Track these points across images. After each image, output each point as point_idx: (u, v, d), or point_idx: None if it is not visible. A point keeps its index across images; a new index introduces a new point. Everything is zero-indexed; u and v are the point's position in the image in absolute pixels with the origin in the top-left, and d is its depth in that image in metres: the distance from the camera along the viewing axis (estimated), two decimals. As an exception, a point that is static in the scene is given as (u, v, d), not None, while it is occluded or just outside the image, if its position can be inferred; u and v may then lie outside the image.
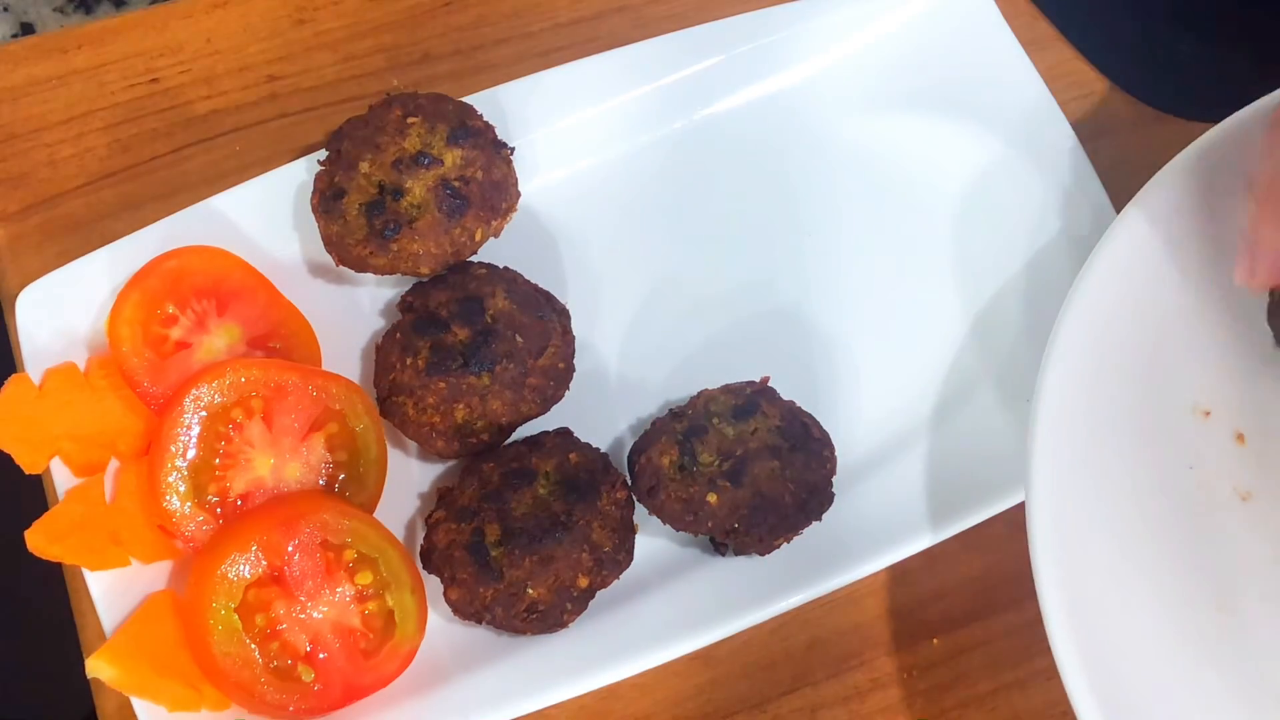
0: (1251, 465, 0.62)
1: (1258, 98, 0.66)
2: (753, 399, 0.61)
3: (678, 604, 0.61)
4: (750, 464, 0.58)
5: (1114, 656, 0.56)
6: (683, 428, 0.60)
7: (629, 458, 0.61)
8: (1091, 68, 0.75)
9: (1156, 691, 0.56)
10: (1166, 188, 0.62)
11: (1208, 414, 0.62)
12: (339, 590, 0.58)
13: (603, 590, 0.59)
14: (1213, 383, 0.62)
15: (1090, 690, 0.54)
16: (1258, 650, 0.58)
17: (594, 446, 0.62)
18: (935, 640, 0.64)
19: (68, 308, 0.64)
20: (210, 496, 0.60)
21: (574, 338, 0.64)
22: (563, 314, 0.64)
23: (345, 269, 0.63)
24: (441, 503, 0.60)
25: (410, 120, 0.62)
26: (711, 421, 0.60)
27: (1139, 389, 0.61)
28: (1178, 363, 0.62)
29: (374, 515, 0.62)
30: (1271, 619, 0.59)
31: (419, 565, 0.60)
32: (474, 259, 0.65)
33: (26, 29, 0.89)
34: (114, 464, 0.62)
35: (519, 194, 0.64)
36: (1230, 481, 0.61)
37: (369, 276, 0.66)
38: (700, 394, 0.62)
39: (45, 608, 0.68)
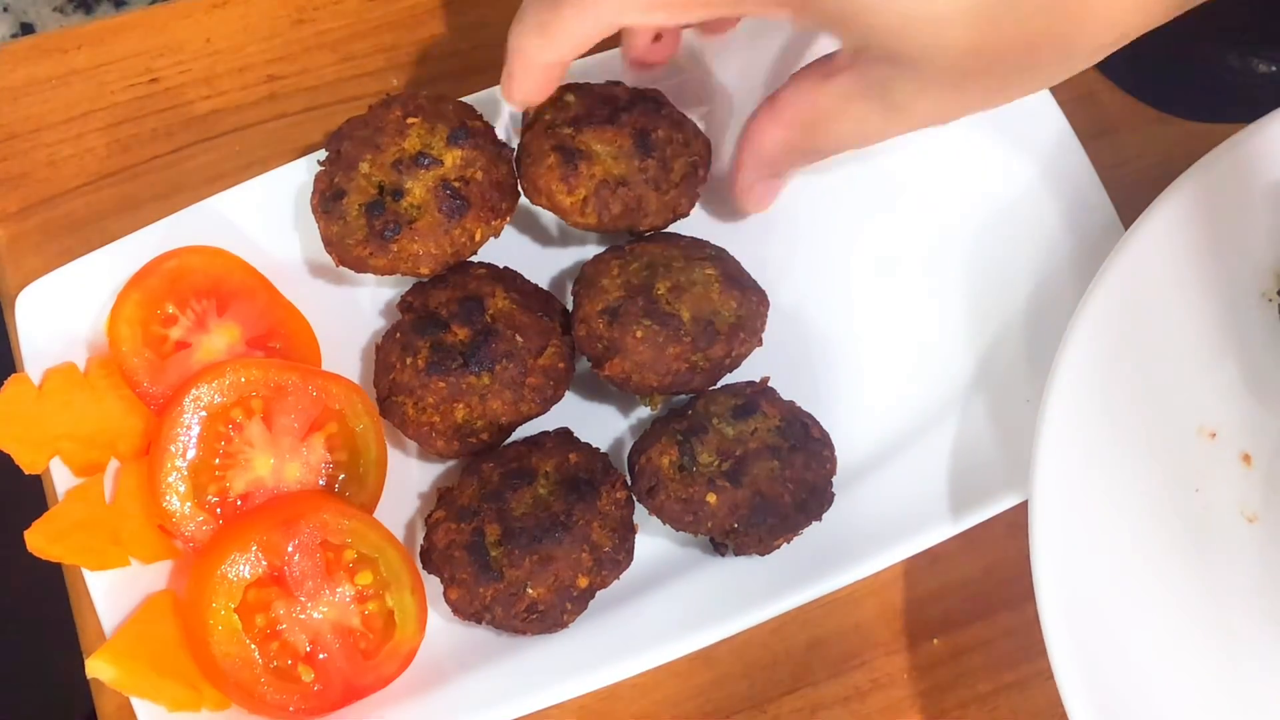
0: (1258, 487, 0.61)
1: (1259, 97, 0.67)
2: (753, 399, 0.61)
3: (678, 604, 0.61)
4: (750, 464, 0.58)
5: (1114, 674, 0.55)
6: (683, 428, 0.60)
7: (629, 458, 0.61)
8: (1092, 68, 0.75)
9: (1155, 711, 0.56)
10: (1173, 206, 0.61)
11: (1214, 435, 0.61)
12: (339, 590, 0.58)
13: (603, 590, 0.59)
14: (1219, 404, 0.62)
15: (1089, 704, 0.54)
16: (1260, 674, 0.58)
17: (594, 446, 0.62)
18: (935, 640, 0.64)
19: (68, 308, 0.64)
20: (210, 496, 0.60)
21: (573, 338, 0.64)
22: (563, 314, 0.64)
23: (345, 269, 0.63)
24: (441, 503, 0.60)
25: (410, 120, 0.62)
26: (711, 421, 0.60)
27: (1144, 409, 0.60)
28: (1184, 383, 0.61)
29: (374, 515, 0.62)
30: (1276, 643, 0.59)
31: (419, 565, 0.60)
32: (474, 259, 0.65)
33: (26, 29, 0.89)
34: (114, 464, 0.62)
35: (519, 194, 0.64)
36: (1236, 504, 0.61)
37: (369, 276, 0.66)
38: (700, 394, 0.62)
39: (45, 608, 0.68)
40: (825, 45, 0.71)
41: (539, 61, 0.57)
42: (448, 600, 0.58)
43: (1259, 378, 0.62)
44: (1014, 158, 0.71)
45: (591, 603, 0.59)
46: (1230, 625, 0.59)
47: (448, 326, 0.61)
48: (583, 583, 0.58)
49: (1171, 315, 0.61)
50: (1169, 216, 0.61)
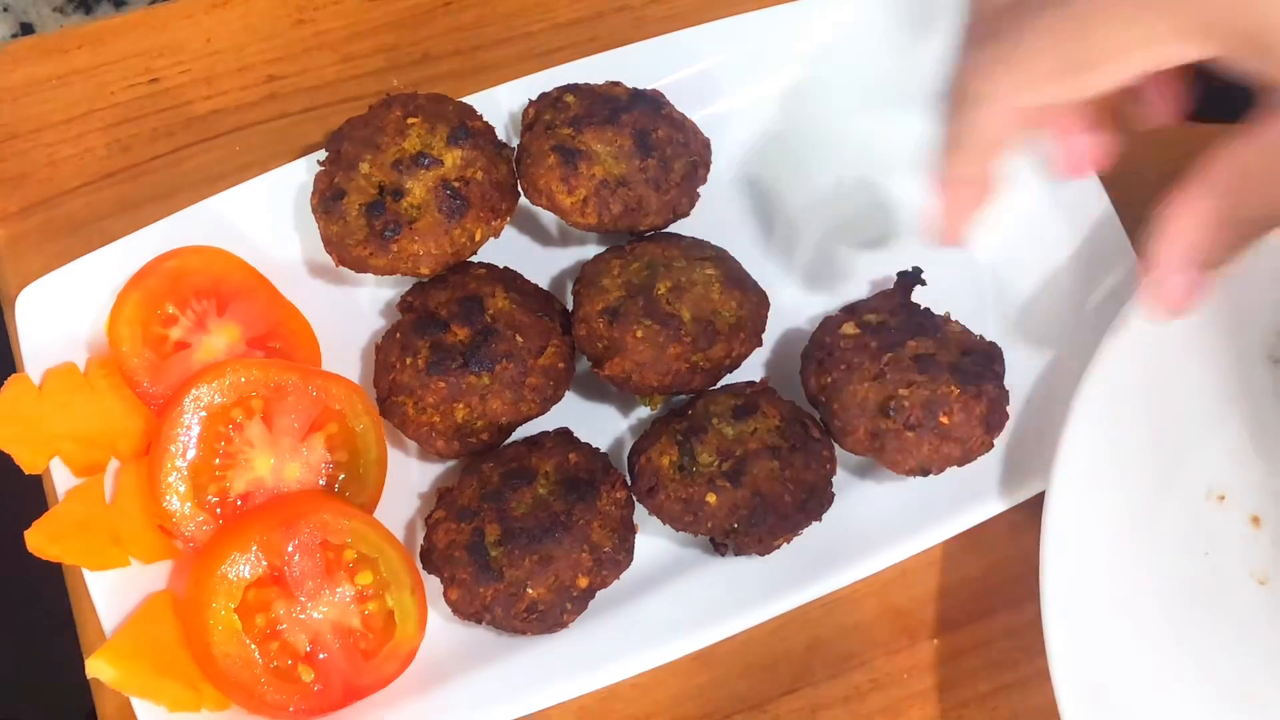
0: (1267, 550, 0.61)
1: (1257, 97, 0.66)
2: (753, 399, 0.61)
3: (678, 604, 0.61)
4: (750, 464, 0.58)
5: None
6: (682, 427, 0.60)
7: (629, 458, 0.61)
8: (1091, 68, 0.75)
9: None
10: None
11: (1222, 498, 0.61)
12: (339, 590, 0.58)
13: (603, 590, 0.59)
14: (1228, 466, 0.62)
15: None
16: None
17: (594, 446, 0.62)
18: (935, 640, 0.64)
19: (68, 308, 0.64)
20: (210, 496, 0.60)
21: (573, 338, 0.64)
22: (563, 314, 0.64)
23: (345, 269, 0.63)
24: (441, 503, 0.60)
25: (410, 120, 0.62)
26: (711, 421, 0.60)
27: (1154, 471, 0.60)
28: (1193, 445, 0.61)
29: (374, 515, 0.62)
30: None
31: (419, 565, 0.60)
32: (474, 259, 0.65)
33: (26, 29, 0.89)
34: (114, 464, 0.62)
35: (519, 194, 0.64)
36: (1246, 566, 0.61)
37: (369, 276, 0.66)
38: (700, 394, 0.62)
39: (45, 608, 0.68)
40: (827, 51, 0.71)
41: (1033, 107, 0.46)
42: (448, 600, 0.58)
43: (1267, 440, 0.62)
44: (1014, 159, 0.70)
45: (591, 603, 0.59)
46: (1241, 686, 0.59)
47: (448, 326, 0.61)
48: (583, 583, 0.58)
49: (1180, 377, 0.61)
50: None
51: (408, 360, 0.61)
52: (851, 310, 0.63)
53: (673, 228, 0.66)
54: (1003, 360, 0.62)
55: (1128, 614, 0.58)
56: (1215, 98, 0.71)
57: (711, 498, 0.58)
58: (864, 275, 0.70)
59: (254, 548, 0.57)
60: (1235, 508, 0.61)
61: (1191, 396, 0.61)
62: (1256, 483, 0.62)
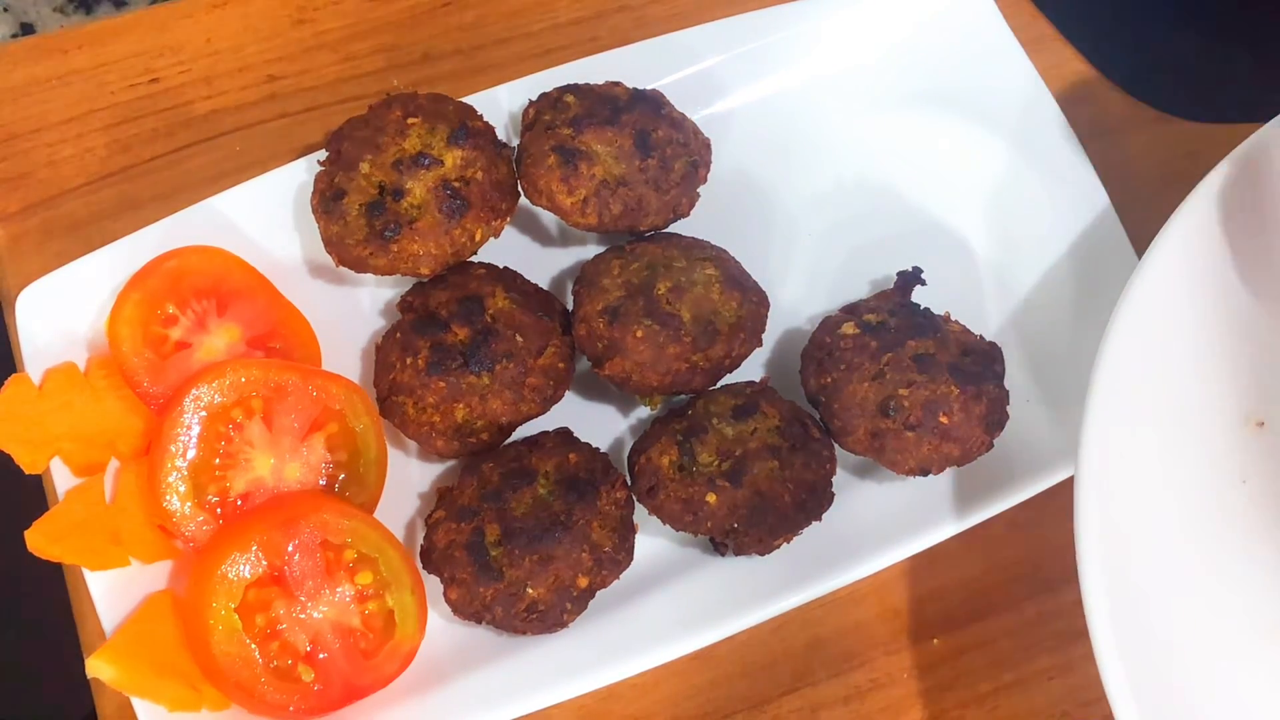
0: None
1: (1257, 97, 0.66)
2: (753, 399, 0.61)
3: (678, 604, 0.61)
4: (750, 464, 0.58)
5: (1157, 661, 0.54)
6: (682, 427, 0.60)
7: (629, 458, 0.61)
8: (1091, 68, 0.75)
9: (1198, 701, 0.54)
10: (1214, 190, 0.60)
11: (1262, 424, 0.60)
12: (339, 590, 0.58)
13: (603, 590, 0.59)
14: (1268, 392, 0.60)
15: (1130, 690, 0.52)
16: None
17: (594, 446, 0.62)
18: (935, 640, 0.64)
19: (68, 308, 0.64)
20: (210, 496, 0.60)
21: (573, 338, 0.64)
22: (563, 314, 0.64)
23: (345, 269, 0.63)
24: (441, 503, 0.60)
25: (410, 121, 0.62)
26: (711, 421, 0.60)
27: (1190, 400, 0.59)
28: (1231, 372, 0.60)
29: (374, 515, 0.62)
30: None
31: (419, 565, 0.60)
32: (474, 259, 0.65)
33: (26, 29, 0.89)
34: (114, 464, 0.62)
35: (519, 194, 0.64)
36: None
37: (369, 276, 0.66)
38: (700, 394, 0.62)
39: (45, 608, 0.68)
40: (828, 52, 0.71)
41: None
42: (448, 600, 0.58)
43: None
44: (1014, 158, 0.71)
45: (591, 603, 0.59)
46: (1276, 617, 0.57)
47: (448, 326, 0.61)
48: (583, 583, 0.58)
49: (1216, 302, 0.59)
50: (1209, 202, 0.59)
51: (408, 360, 0.61)
52: (851, 310, 0.63)
53: (673, 228, 0.66)
54: (1003, 360, 0.62)
55: (1162, 543, 0.56)
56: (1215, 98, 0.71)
57: (711, 498, 0.58)
58: (864, 275, 0.70)
59: (254, 548, 0.57)
60: (1275, 434, 0.60)
61: (1230, 321, 0.60)
62: None
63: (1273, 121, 0.61)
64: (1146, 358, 0.58)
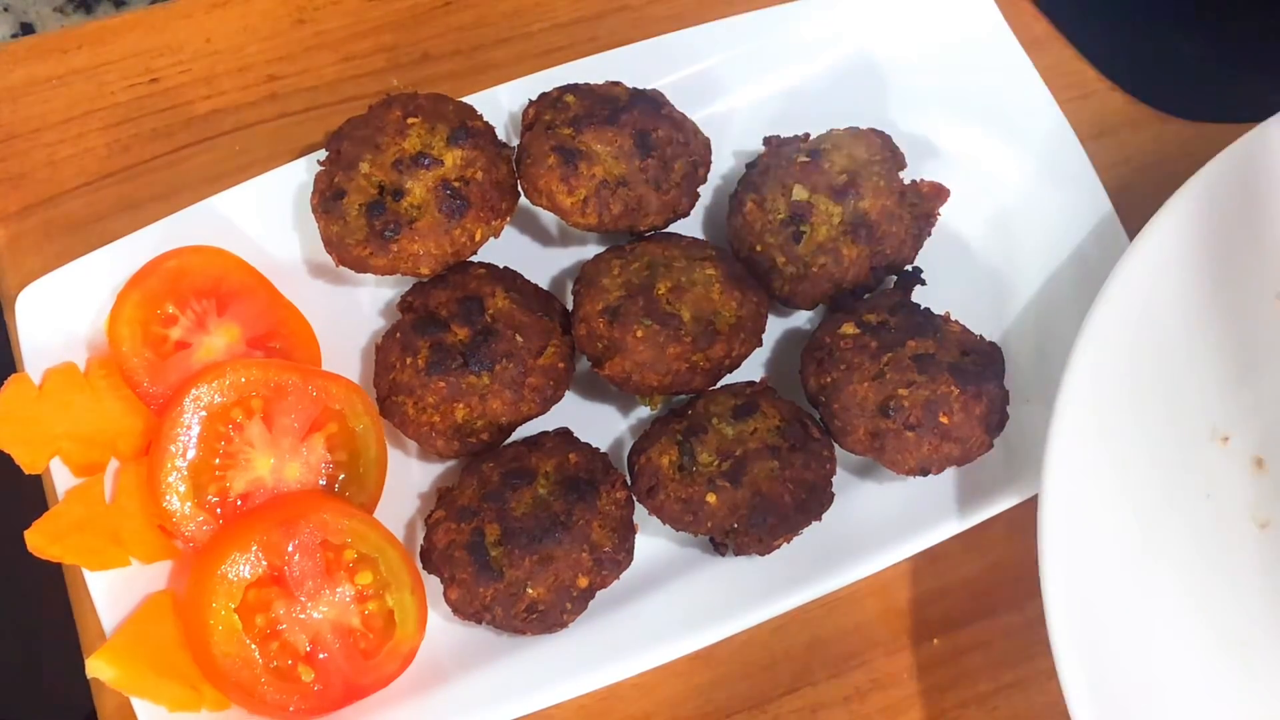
0: (1269, 493, 0.61)
1: (1257, 97, 0.66)
2: (753, 399, 0.61)
3: (678, 604, 0.61)
4: (749, 464, 0.58)
5: (1119, 675, 0.55)
6: (682, 427, 0.60)
7: (629, 458, 0.61)
8: (1091, 68, 0.75)
9: (1160, 712, 0.55)
10: (1182, 207, 0.61)
11: (1226, 440, 0.61)
12: (339, 590, 0.58)
13: (603, 590, 0.59)
14: (1231, 407, 0.61)
15: (1093, 706, 0.53)
16: (1270, 679, 0.57)
17: (594, 446, 0.62)
18: (935, 640, 0.64)
19: (68, 308, 0.64)
20: (210, 496, 0.60)
21: (573, 337, 0.64)
22: (563, 314, 0.64)
23: (345, 269, 0.63)
24: (441, 503, 0.60)
25: (410, 120, 0.62)
26: (711, 421, 0.60)
27: (1156, 413, 0.60)
28: (1196, 387, 0.61)
29: (374, 515, 0.62)
30: None
31: (419, 565, 0.60)
32: (474, 259, 0.64)
33: (26, 29, 0.89)
34: (114, 464, 0.62)
35: (519, 194, 0.64)
36: (1248, 510, 0.60)
37: (369, 276, 0.66)
38: (700, 394, 0.62)
39: (45, 608, 0.68)
40: (826, 50, 0.71)
41: None
42: (448, 600, 0.58)
43: (1272, 380, 0.61)
44: (1014, 158, 0.71)
45: (591, 603, 0.59)
46: (1240, 632, 0.58)
47: (448, 326, 0.61)
48: (583, 583, 0.58)
49: (1183, 318, 0.60)
50: (1179, 218, 0.60)
51: (408, 360, 0.61)
52: (851, 310, 0.63)
53: (673, 227, 0.66)
54: (1003, 360, 0.62)
55: (1126, 557, 0.57)
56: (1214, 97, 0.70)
57: (711, 498, 0.58)
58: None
59: (254, 548, 0.57)
60: (1238, 451, 0.61)
61: (1195, 337, 0.60)
62: (1261, 424, 0.61)
63: (1233, 145, 0.61)
64: (1114, 373, 0.59)
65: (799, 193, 0.62)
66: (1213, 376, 0.61)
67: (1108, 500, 0.58)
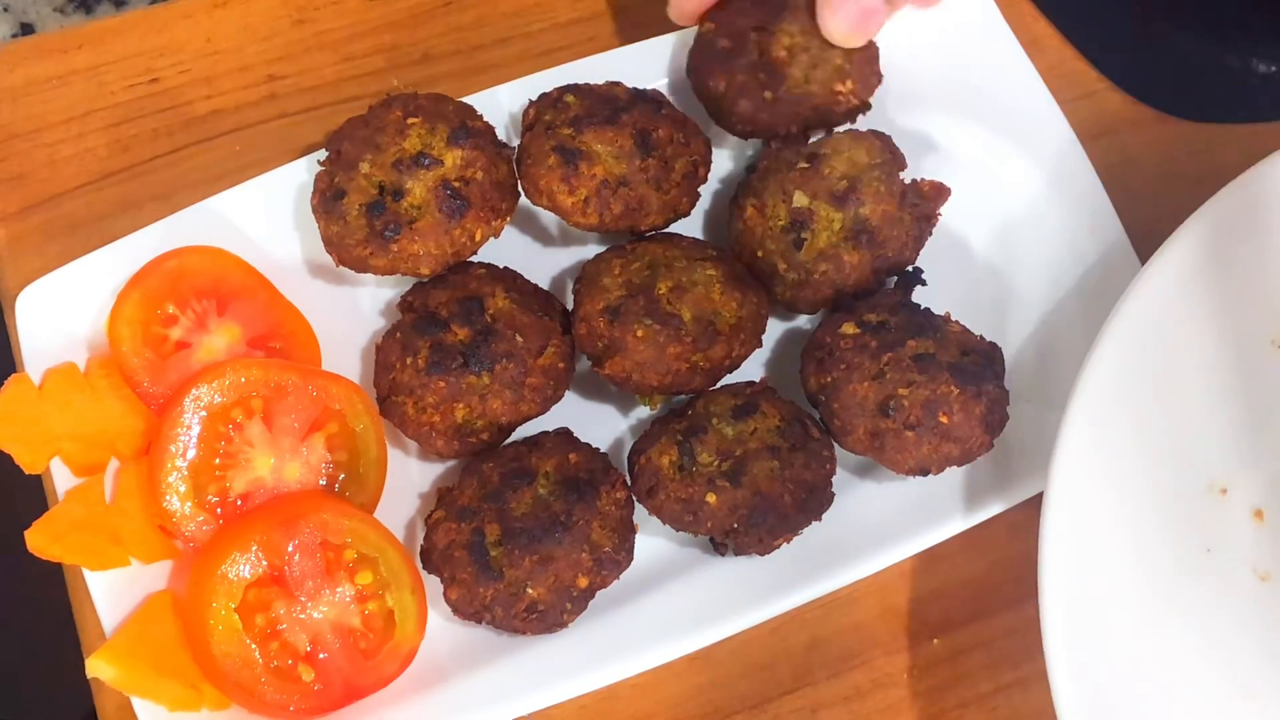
0: (1268, 545, 0.60)
1: (1258, 98, 0.66)
2: (752, 399, 0.61)
3: (678, 604, 0.61)
4: (749, 464, 0.58)
5: (1113, 698, 0.55)
6: (682, 427, 0.60)
7: (629, 458, 0.61)
8: (1091, 68, 0.75)
9: None
10: (1180, 250, 0.60)
11: (1225, 491, 0.60)
12: (339, 590, 0.58)
13: (603, 590, 0.59)
14: (1230, 458, 0.61)
15: None
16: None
17: (594, 446, 0.62)
18: (935, 640, 0.64)
19: (68, 308, 0.64)
20: (210, 496, 0.60)
21: (573, 337, 0.64)
22: (563, 314, 0.64)
23: (345, 269, 0.63)
24: (441, 503, 0.60)
25: (410, 121, 0.62)
26: (711, 421, 0.60)
27: (1154, 466, 0.59)
28: (1194, 438, 0.60)
29: (374, 515, 0.62)
30: None
31: (419, 565, 0.60)
32: (474, 259, 0.65)
33: (26, 29, 0.89)
34: (114, 464, 0.62)
35: (519, 194, 0.64)
36: (1248, 563, 0.60)
37: (369, 276, 0.66)
38: (700, 394, 0.62)
39: (45, 608, 0.68)
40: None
41: None
42: (448, 600, 0.58)
43: (1270, 431, 0.61)
44: (1014, 158, 0.71)
45: (591, 603, 0.59)
46: (1241, 685, 0.58)
47: (448, 326, 0.61)
48: (583, 583, 0.58)
49: (1181, 365, 0.60)
50: (1177, 261, 0.60)
51: (408, 360, 0.61)
52: (851, 310, 0.63)
53: (673, 227, 0.66)
54: (1003, 360, 0.62)
55: (1127, 611, 0.57)
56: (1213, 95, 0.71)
57: (711, 498, 0.58)
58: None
59: (254, 548, 0.57)
60: (1237, 502, 0.61)
61: (1193, 386, 0.60)
62: (1259, 475, 0.61)
63: (1227, 188, 0.61)
64: (1111, 422, 0.58)
65: (799, 199, 0.62)
66: (1209, 428, 0.60)
67: (1108, 557, 0.57)
